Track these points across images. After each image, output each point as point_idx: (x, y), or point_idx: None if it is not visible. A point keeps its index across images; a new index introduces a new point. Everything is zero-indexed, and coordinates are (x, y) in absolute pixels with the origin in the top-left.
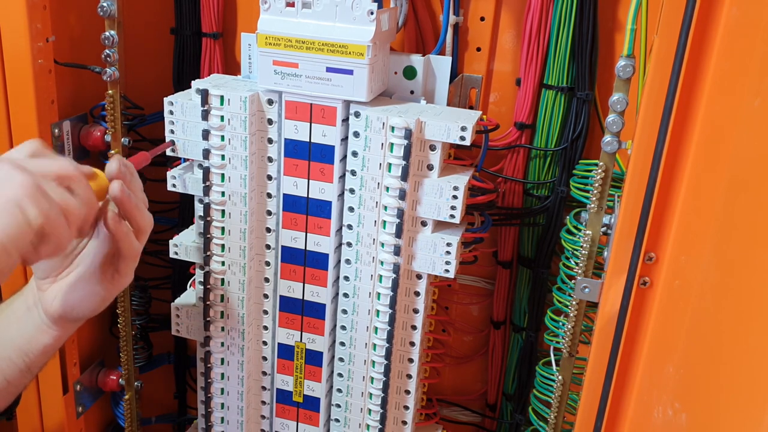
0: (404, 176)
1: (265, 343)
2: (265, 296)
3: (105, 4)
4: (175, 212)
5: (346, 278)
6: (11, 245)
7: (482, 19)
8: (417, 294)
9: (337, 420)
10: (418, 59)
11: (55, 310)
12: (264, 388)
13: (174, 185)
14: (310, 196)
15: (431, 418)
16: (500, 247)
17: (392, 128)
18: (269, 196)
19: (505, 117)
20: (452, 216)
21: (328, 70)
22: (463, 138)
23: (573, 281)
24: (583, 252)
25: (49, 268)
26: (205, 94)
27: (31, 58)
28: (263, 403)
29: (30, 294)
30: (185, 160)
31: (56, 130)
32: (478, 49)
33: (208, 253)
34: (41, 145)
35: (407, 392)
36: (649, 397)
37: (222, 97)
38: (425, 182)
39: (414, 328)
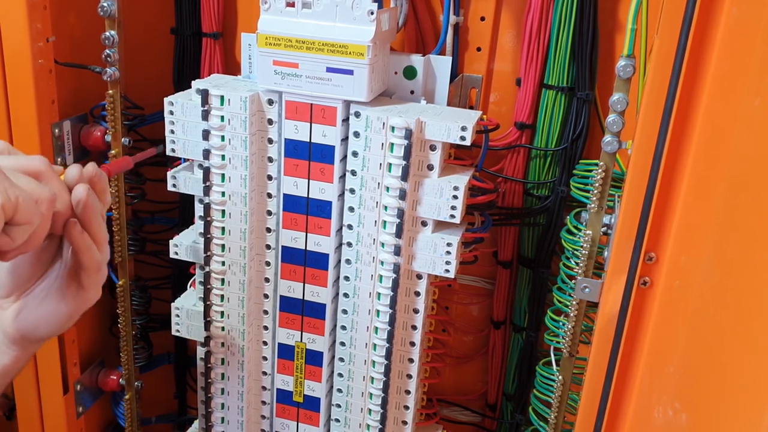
0: (404, 176)
1: (265, 343)
2: (266, 296)
3: (105, 4)
4: (175, 212)
5: (347, 278)
6: None
7: (482, 19)
8: (417, 294)
9: (337, 420)
10: (419, 59)
11: (16, 329)
12: (264, 388)
13: (174, 185)
14: (310, 196)
15: (431, 418)
16: (500, 247)
17: (392, 128)
18: (269, 196)
19: (506, 117)
20: (452, 216)
21: (329, 70)
22: (463, 138)
23: (573, 281)
24: (584, 252)
25: (13, 286)
26: (205, 94)
27: (31, 58)
28: (263, 403)
29: None
30: (185, 160)
31: (56, 130)
32: (479, 49)
33: (209, 253)
34: (8, 146)
35: (407, 392)
36: (650, 397)
37: (222, 97)
38: (425, 182)
39: (414, 328)
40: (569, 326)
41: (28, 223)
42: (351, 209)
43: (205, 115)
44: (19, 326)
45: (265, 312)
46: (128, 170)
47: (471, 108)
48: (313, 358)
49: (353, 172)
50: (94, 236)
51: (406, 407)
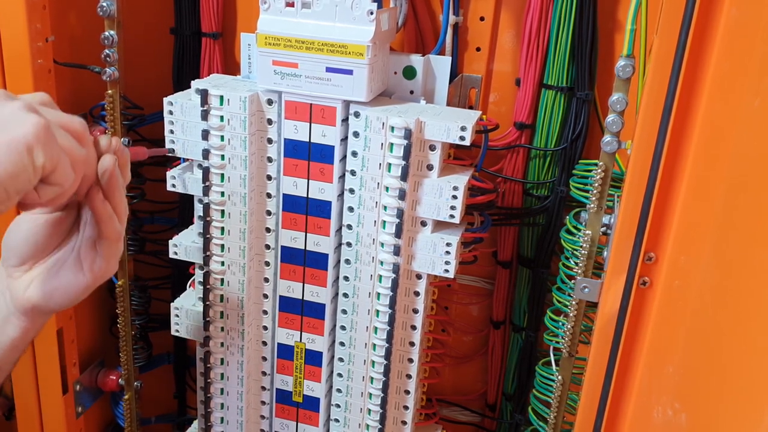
0: (404, 176)
1: (264, 343)
2: (265, 296)
3: (104, 4)
4: (174, 212)
5: (346, 278)
6: (11, 185)
7: (482, 19)
8: (417, 294)
9: (336, 420)
10: (418, 59)
11: (29, 298)
12: (264, 388)
13: (174, 185)
14: (309, 196)
15: (431, 418)
16: (500, 247)
17: (392, 128)
18: (269, 196)
19: (505, 117)
20: (452, 216)
21: (328, 70)
22: (462, 138)
23: (573, 281)
24: (583, 252)
25: (28, 254)
26: (204, 94)
27: (30, 58)
28: (263, 403)
29: None
30: (185, 160)
31: None
32: (478, 49)
33: (208, 253)
34: (50, 99)
35: (407, 392)
36: (649, 397)
37: (221, 97)
38: (425, 182)
39: (414, 328)
40: (569, 326)
41: (60, 185)
42: (350, 209)
43: (205, 115)
44: (31, 296)
45: (265, 312)
46: (139, 160)
47: (470, 108)
48: (313, 358)
49: (353, 172)
50: (116, 207)
51: (406, 407)
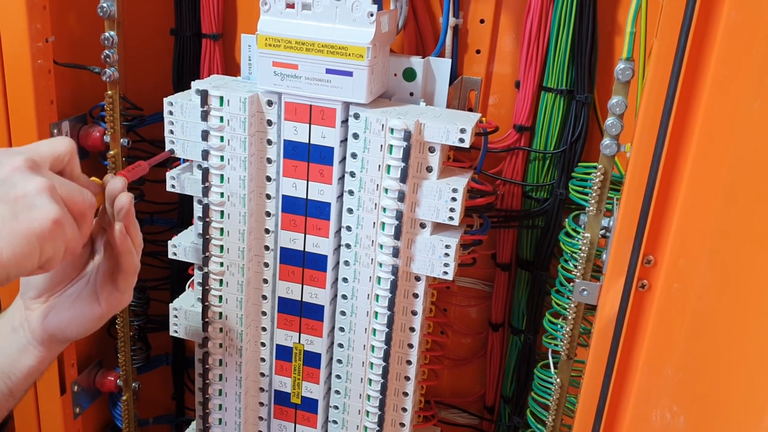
0: (403, 178)
1: (263, 344)
2: (264, 297)
3: (105, 5)
4: (173, 213)
5: (345, 280)
6: (14, 271)
7: (482, 21)
8: (415, 296)
9: (335, 422)
10: (418, 61)
11: (46, 328)
12: (262, 389)
13: (173, 186)
14: (309, 198)
15: (429, 420)
16: (499, 250)
17: (391, 130)
18: (268, 197)
19: (505, 119)
20: (451, 218)
21: (328, 71)
22: (462, 140)
23: (571, 284)
24: (582, 255)
25: (45, 288)
26: (204, 95)
27: (30, 59)
28: (261, 404)
29: (16, 313)
30: (184, 160)
31: (55, 131)
32: (478, 52)
33: (207, 254)
34: (68, 150)
35: (405, 394)
36: (648, 400)
37: (221, 98)
38: (424, 184)
39: (412, 330)
40: (567, 329)
41: (51, 268)
42: (350, 211)
43: (205, 116)
44: (47, 326)
45: (264, 313)
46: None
47: (470, 110)
48: (311, 359)
49: (352, 174)
50: (133, 240)
51: (404, 409)
